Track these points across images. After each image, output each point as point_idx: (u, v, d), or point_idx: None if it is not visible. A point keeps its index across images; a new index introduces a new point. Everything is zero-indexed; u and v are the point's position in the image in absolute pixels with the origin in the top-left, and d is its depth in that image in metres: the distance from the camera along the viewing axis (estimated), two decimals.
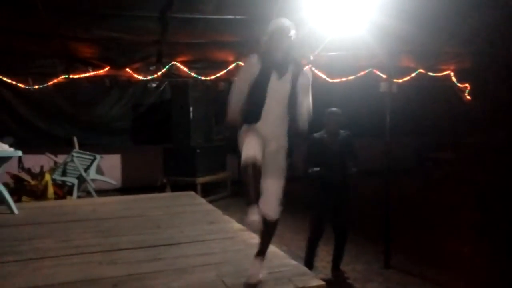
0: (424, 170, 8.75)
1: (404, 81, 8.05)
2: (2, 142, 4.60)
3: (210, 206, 5.01)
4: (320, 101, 8.34)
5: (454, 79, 9.45)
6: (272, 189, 2.56)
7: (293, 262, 3.12)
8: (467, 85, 9.63)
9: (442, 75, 9.31)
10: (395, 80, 4.31)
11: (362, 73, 7.08)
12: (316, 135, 3.93)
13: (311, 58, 4.34)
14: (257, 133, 2.52)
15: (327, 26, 4.34)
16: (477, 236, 4.93)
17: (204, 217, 4.41)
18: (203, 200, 5.40)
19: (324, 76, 7.08)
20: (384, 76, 4.09)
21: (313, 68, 7.09)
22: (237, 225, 4.12)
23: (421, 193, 7.00)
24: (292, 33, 2.55)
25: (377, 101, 4.66)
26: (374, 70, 7.59)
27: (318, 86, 7.33)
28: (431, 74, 9.08)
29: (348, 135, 3.92)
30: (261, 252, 2.71)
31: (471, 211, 5.95)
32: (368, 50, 4.50)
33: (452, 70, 9.37)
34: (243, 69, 2.68)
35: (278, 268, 2.92)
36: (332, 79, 7.20)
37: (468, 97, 9.70)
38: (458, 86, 9.55)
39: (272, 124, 2.59)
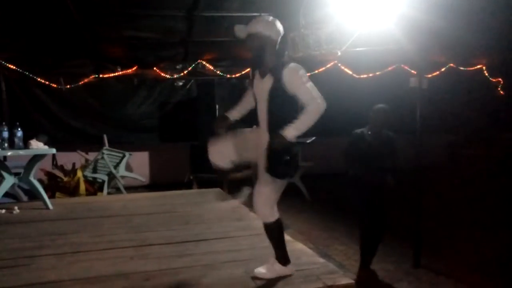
0: (456, 167, 8.51)
1: (434, 76, 7.84)
2: (37, 140, 4.77)
3: (236, 203, 5.05)
4: (347, 98, 8.22)
5: (486, 73, 9.13)
6: (256, 195, 2.59)
7: (321, 260, 3.11)
8: (500, 79, 9.29)
9: (474, 70, 9.02)
10: (425, 75, 4.19)
11: (390, 69, 6.95)
12: (357, 131, 3.77)
13: (339, 53, 4.28)
14: (234, 136, 2.61)
15: (355, 21, 4.27)
16: None
17: (231, 214, 4.45)
18: (230, 197, 5.45)
19: (350, 72, 6.99)
20: (413, 72, 4.01)
21: (339, 64, 7.03)
22: None
23: (453, 191, 6.82)
24: (265, 31, 2.43)
25: (406, 97, 4.56)
26: (403, 66, 7.43)
27: (345, 83, 7.31)
28: (462, 68, 8.80)
29: (392, 135, 3.73)
30: (277, 257, 2.72)
31: (506, 210, 5.75)
32: (396, 45, 4.41)
33: (484, 64, 9.06)
34: None
35: (306, 266, 2.93)
36: (360, 75, 7.10)
37: (501, 92, 9.36)
38: (491, 81, 9.22)
39: (260, 127, 2.58)
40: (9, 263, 3.00)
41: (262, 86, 2.49)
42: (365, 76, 7.25)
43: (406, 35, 4.32)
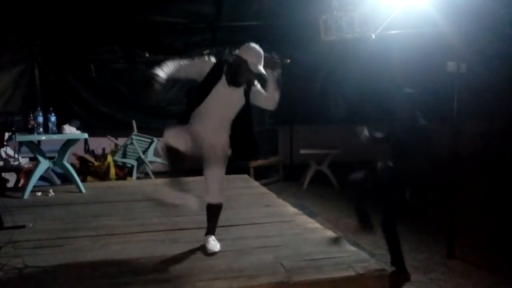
0: (491, 157, 8.19)
1: (473, 60, 7.44)
2: (70, 125, 4.88)
3: (264, 190, 5.04)
4: (379, 83, 7.88)
5: None
6: (210, 177, 2.98)
7: (352, 248, 3.07)
8: None
9: None
10: (463, 60, 4.00)
11: (425, 52, 6.67)
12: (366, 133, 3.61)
13: (373, 37, 4.14)
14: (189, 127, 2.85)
15: (390, 2, 4.10)
16: None
17: (259, 200, 4.45)
18: (257, 183, 5.45)
19: (383, 57, 6.76)
20: (451, 55, 3.84)
21: (372, 48, 6.79)
22: (292, 209, 4.12)
23: (487, 181, 6.58)
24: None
25: (442, 82, 4.38)
26: (439, 49, 7.08)
27: (377, 67, 7.08)
28: (504, 53, 8.33)
29: (424, 123, 3.36)
30: (210, 231, 3.03)
31: None
32: (433, 27, 4.20)
33: None
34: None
35: (337, 254, 2.89)
36: (393, 59, 6.85)
37: None
38: None
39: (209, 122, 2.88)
40: (46, 243, 3.11)
41: (231, 94, 2.82)
42: (398, 60, 6.99)
43: (444, 16, 4.11)
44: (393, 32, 4.11)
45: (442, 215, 4.12)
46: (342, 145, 7.01)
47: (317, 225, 3.61)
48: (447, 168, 4.03)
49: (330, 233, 3.40)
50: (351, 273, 2.56)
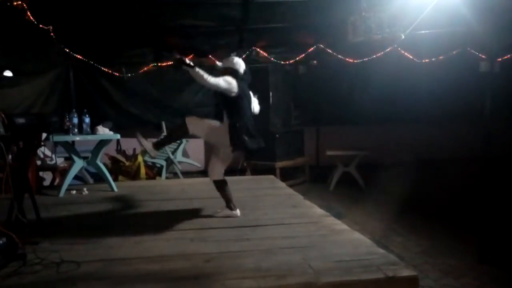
0: None
1: (506, 60, 7.18)
2: (103, 126, 5.04)
3: (291, 190, 5.05)
4: (408, 84, 7.76)
5: None
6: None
7: (381, 250, 3.03)
8: None
9: None
10: (496, 59, 3.89)
11: (456, 52, 6.48)
12: None
13: (403, 37, 4.07)
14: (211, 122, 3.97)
15: (420, 1, 4.03)
16: None
17: (286, 201, 4.46)
18: (283, 184, 5.46)
19: (412, 57, 6.62)
20: (482, 55, 3.72)
21: (400, 48, 6.66)
22: (319, 210, 4.11)
23: None
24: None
25: (474, 82, 4.27)
26: (471, 49, 6.87)
27: (405, 68, 6.95)
28: None
29: None
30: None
31: None
32: (465, 27, 4.10)
33: None
34: None
35: (365, 256, 2.86)
36: (422, 59, 6.70)
37: None
38: None
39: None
40: (81, 239, 3.23)
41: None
42: (428, 60, 6.84)
43: (475, 15, 4.01)
44: (423, 32, 4.04)
45: (474, 218, 4.01)
46: (370, 146, 6.92)
47: (345, 226, 3.59)
48: (479, 169, 3.93)
49: (358, 235, 3.37)
50: (380, 275, 2.53)
